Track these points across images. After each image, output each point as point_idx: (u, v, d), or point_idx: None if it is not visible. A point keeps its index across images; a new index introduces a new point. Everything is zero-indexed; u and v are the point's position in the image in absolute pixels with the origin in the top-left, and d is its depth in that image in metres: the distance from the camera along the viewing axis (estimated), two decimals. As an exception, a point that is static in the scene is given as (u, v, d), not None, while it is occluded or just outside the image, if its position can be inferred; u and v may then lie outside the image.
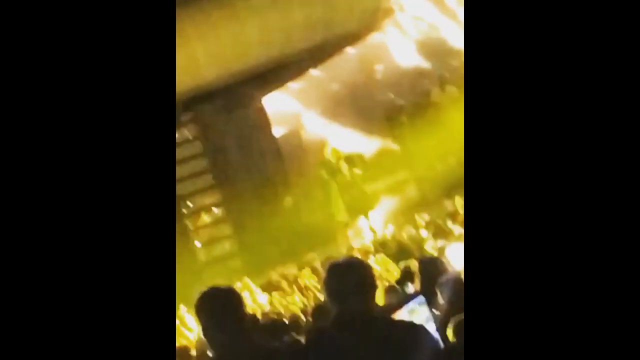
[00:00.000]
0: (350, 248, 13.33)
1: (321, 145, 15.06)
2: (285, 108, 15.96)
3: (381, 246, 12.81)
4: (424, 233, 12.61)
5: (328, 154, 14.70)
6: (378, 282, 7.02)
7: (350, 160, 14.62)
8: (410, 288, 7.15)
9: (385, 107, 15.73)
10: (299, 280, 12.73)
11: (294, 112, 15.96)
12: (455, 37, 15.50)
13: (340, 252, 12.50)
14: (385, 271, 11.28)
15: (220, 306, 3.02)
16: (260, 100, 15.86)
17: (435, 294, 4.83)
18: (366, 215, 14.52)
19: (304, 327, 6.26)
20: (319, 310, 6.33)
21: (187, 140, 15.48)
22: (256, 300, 12.34)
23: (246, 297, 11.97)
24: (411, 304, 4.35)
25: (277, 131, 16.03)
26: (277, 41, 14.32)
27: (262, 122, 15.80)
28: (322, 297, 9.51)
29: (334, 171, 14.47)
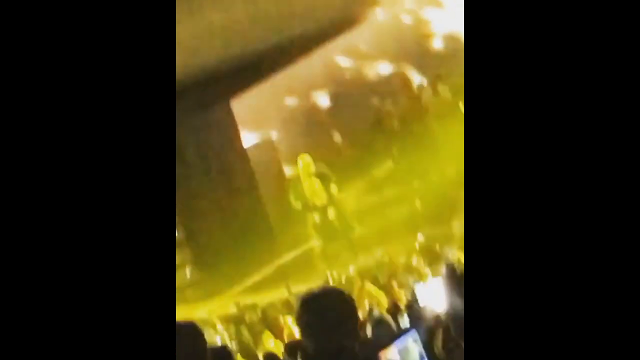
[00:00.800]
0: (329, 277, 13.28)
1: (293, 158, 15.04)
2: (256, 111, 15.95)
3: (367, 274, 12.84)
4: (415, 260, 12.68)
5: (300, 168, 14.64)
6: (363, 314, 6.78)
7: (325, 176, 14.57)
8: (406, 321, 7.28)
9: (372, 112, 15.78)
10: (269, 314, 12.86)
11: (266, 117, 15.99)
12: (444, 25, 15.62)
13: (317, 283, 12.53)
14: (372, 300, 11.37)
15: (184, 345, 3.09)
16: (228, 102, 15.79)
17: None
18: (348, 240, 14.50)
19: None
20: (293, 347, 6.43)
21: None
22: (219, 333, 12.41)
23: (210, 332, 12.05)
24: (403, 340, 4.47)
25: (246, 139, 15.98)
26: (249, 33, 14.43)
27: (229, 128, 15.72)
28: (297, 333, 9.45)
29: (305, 189, 14.44)
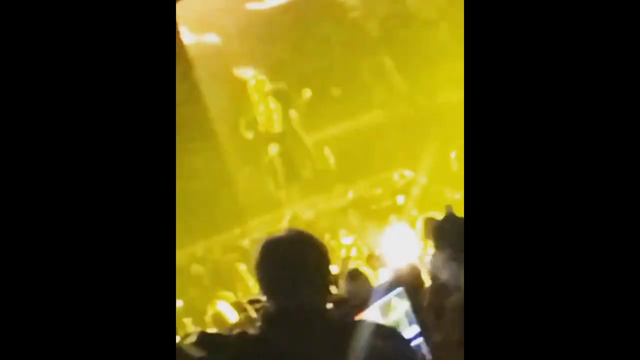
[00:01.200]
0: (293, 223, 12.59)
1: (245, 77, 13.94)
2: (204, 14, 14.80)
3: (338, 217, 12.09)
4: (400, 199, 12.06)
5: (251, 87, 13.55)
6: (337, 265, 6.46)
7: (284, 97, 13.49)
8: (387, 274, 7.01)
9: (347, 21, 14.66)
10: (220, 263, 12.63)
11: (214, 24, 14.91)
12: None
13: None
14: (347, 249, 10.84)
15: None
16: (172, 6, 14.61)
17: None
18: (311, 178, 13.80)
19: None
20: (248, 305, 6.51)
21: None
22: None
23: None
24: (386, 297, 4.35)
25: (191, 50, 14.79)
26: None
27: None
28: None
29: (258, 114, 13.47)
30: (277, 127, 13.73)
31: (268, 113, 13.68)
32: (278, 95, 13.63)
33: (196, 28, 14.90)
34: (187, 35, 14.80)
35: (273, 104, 13.56)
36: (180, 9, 12.66)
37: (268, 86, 13.64)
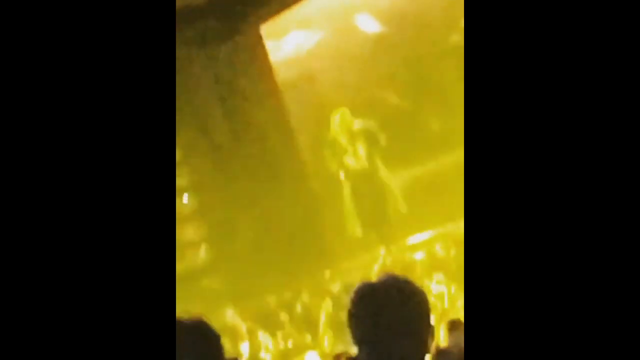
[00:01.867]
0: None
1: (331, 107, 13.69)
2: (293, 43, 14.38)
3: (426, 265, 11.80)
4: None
5: (336, 123, 13.27)
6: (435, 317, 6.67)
7: (368, 136, 13.12)
8: None
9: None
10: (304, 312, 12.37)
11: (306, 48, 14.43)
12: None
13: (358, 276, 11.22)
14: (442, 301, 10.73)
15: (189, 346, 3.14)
16: (258, 28, 14.40)
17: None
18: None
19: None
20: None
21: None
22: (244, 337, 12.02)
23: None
24: None
25: (281, 77, 14.43)
26: None
27: (259, 61, 14.18)
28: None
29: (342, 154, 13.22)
30: (362, 164, 13.35)
31: (353, 148, 13.34)
32: (365, 133, 13.36)
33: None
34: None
35: (358, 141, 13.26)
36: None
37: (357, 123, 13.33)
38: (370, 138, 13.28)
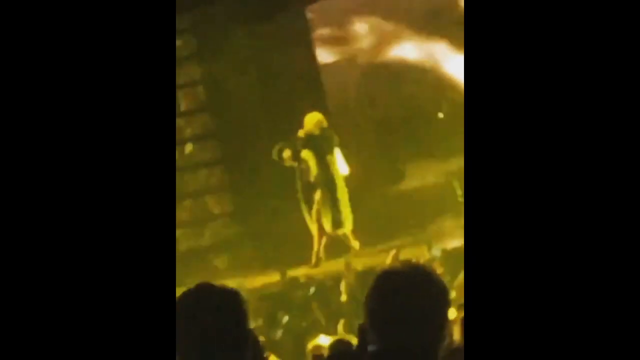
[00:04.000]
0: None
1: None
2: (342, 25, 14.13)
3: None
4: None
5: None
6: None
7: None
8: None
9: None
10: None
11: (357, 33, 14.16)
12: None
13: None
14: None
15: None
16: (304, 11, 14.00)
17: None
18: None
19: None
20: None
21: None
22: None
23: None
24: None
25: (327, 67, 14.16)
26: None
27: (304, 47, 13.75)
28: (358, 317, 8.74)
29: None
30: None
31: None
32: None
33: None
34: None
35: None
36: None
37: None
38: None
